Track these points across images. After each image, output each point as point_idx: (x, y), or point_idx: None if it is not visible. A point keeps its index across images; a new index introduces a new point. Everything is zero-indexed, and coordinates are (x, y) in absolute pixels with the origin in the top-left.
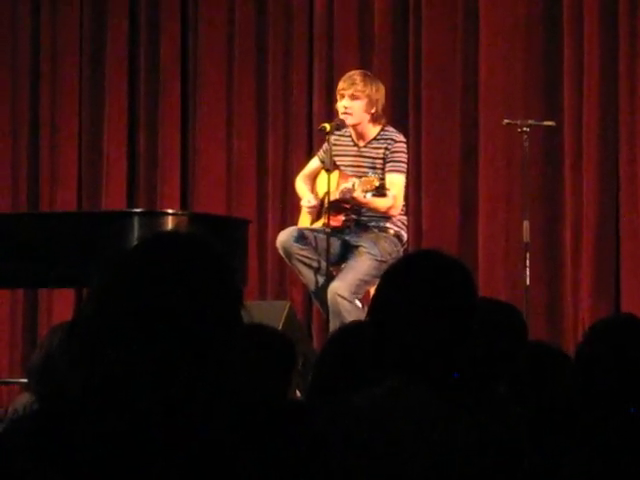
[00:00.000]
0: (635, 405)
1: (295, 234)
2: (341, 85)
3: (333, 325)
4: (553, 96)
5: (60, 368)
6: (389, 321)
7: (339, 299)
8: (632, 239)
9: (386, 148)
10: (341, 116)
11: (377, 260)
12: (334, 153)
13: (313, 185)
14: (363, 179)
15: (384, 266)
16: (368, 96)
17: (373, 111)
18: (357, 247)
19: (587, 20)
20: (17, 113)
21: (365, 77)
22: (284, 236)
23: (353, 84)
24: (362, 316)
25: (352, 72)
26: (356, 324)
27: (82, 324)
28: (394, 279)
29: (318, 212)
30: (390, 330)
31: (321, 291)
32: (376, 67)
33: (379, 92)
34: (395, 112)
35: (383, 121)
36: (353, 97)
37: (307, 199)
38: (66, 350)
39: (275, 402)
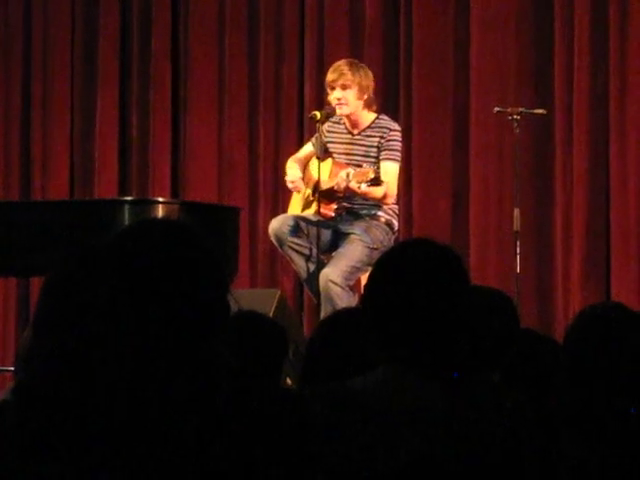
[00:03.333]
0: (622, 391)
1: (287, 222)
2: (330, 77)
3: (324, 311)
4: (544, 84)
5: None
6: (382, 308)
7: (331, 285)
8: (622, 227)
9: (381, 137)
10: (337, 109)
11: (369, 247)
12: (327, 140)
13: (305, 170)
14: (358, 170)
15: (375, 253)
16: (358, 84)
17: (365, 97)
18: (349, 234)
19: (578, 8)
20: (8, 101)
21: (352, 65)
22: (276, 223)
23: (342, 74)
24: (353, 302)
25: (338, 63)
26: (347, 310)
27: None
28: (387, 267)
29: (309, 200)
30: (383, 317)
31: (312, 278)
32: (367, 56)
33: (368, 78)
34: (386, 101)
35: (376, 107)
36: (344, 87)
37: (290, 175)
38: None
39: (267, 389)
